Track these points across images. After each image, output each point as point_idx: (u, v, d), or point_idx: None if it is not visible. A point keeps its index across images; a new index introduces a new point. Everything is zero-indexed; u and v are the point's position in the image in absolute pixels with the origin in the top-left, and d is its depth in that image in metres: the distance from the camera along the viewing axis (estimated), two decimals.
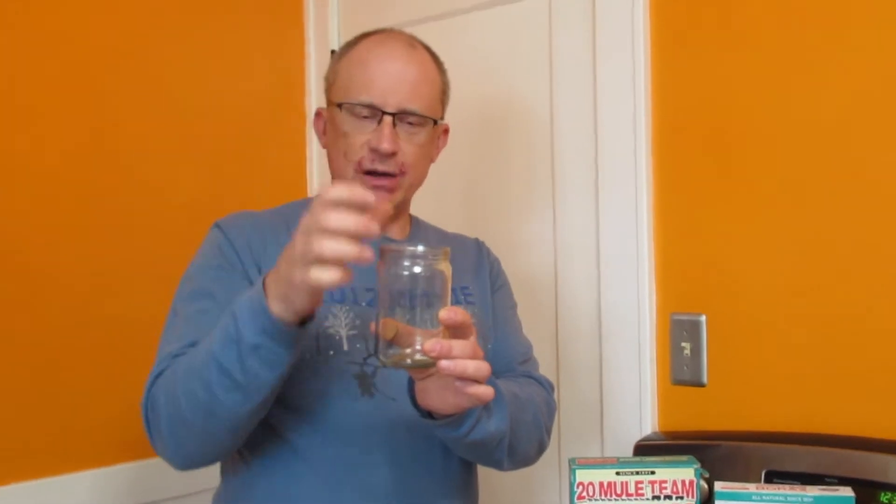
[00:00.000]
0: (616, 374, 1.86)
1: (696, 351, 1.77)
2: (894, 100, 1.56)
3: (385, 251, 1.11)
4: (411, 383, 1.22)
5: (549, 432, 1.47)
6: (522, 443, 1.37)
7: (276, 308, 1.12)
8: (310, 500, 1.35)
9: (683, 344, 1.78)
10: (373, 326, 1.12)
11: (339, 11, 2.36)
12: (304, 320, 1.16)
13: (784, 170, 1.67)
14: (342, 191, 1.05)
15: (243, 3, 2.26)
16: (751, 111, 1.71)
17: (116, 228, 1.95)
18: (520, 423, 1.34)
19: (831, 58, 1.62)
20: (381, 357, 1.12)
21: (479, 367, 1.11)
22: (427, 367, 1.14)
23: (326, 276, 1.04)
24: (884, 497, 1.43)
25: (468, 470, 1.49)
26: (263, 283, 1.14)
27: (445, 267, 1.12)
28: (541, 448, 1.46)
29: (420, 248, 1.11)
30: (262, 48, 2.30)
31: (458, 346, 1.09)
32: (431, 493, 1.41)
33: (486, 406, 1.23)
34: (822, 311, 1.63)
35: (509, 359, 1.49)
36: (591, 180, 1.91)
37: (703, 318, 1.76)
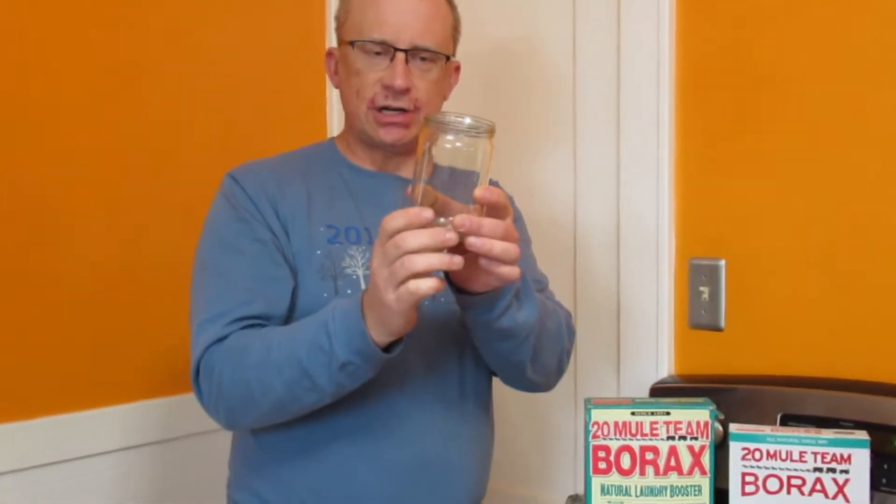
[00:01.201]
0: (634, 316, 1.86)
1: (714, 295, 1.77)
2: None
3: (429, 120, 1.10)
4: None
5: (568, 355, 1.48)
6: (546, 350, 1.38)
7: (374, 332, 1.17)
8: (330, 446, 1.37)
9: (702, 288, 1.78)
10: (409, 190, 1.11)
11: None
12: (395, 342, 1.21)
13: (808, 116, 1.65)
14: (400, 219, 1.08)
15: None
16: (776, 56, 1.68)
17: (139, 172, 1.96)
18: (545, 327, 1.36)
19: (859, 13, 1.59)
20: None
21: (506, 248, 1.11)
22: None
23: (425, 285, 1.08)
24: None
25: (484, 409, 1.50)
26: (361, 303, 1.18)
27: (489, 144, 1.11)
28: (560, 368, 1.47)
29: (466, 121, 1.09)
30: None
31: (488, 224, 1.10)
32: (449, 433, 1.43)
33: (516, 296, 1.24)
34: (840, 257, 1.62)
35: None
36: (613, 123, 1.89)
37: (723, 262, 1.76)
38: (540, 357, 1.37)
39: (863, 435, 1.33)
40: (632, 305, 1.87)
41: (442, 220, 1.10)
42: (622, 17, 1.86)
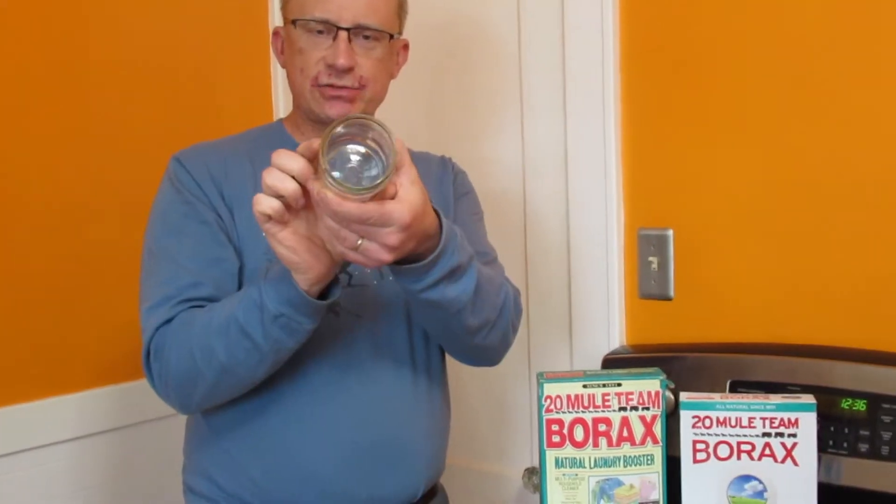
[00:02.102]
0: (584, 289, 1.88)
1: (663, 265, 1.79)
2: (864, 22, 1.55)
3: (325, 140, 1.06)
4: None
5: (514, 330, 1.46)
6: (485, 322, 1.35)
7: (298, 279, 1.16)
8: (281, 426, 1.37)
9: (651, 258, 1.80)
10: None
11: None
12: (327, 291, 1.21)
13: (752, 86, 1.66)
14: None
15: None
16: (718, 28, 1.69)
17: (83, 158, 1.94)
18: (485, 300, 1.32)
19: None
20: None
21: (332, 235, 1.09)
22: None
23: (265, 202, 1.10)
24: (844, 403, 1.47)
25: (438, 385, 1.51)
26: None
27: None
28: (505, 342, 1.45)
29: (348, 167, 1.07)
30: None
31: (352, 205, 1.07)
32: (402, 411, 1.43)
33: (453, 272, 1.22)
34: (786, 225, 1.64)
35: None
36: (559, 97, 1.89)
37: (671, 232, 1.78)
38: (481, 330, 1.35)
39: (809, 399, 1.35)
40: (582, 277, 1.88)
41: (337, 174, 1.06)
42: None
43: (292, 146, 1.46)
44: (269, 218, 1.11)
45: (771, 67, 1.65)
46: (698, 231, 1.75)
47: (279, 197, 1.09)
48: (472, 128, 2.07)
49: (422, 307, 1.29)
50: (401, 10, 1.47)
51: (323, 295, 1.21)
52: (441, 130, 2.12)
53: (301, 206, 1.11)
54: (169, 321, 1.30)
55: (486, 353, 1.43)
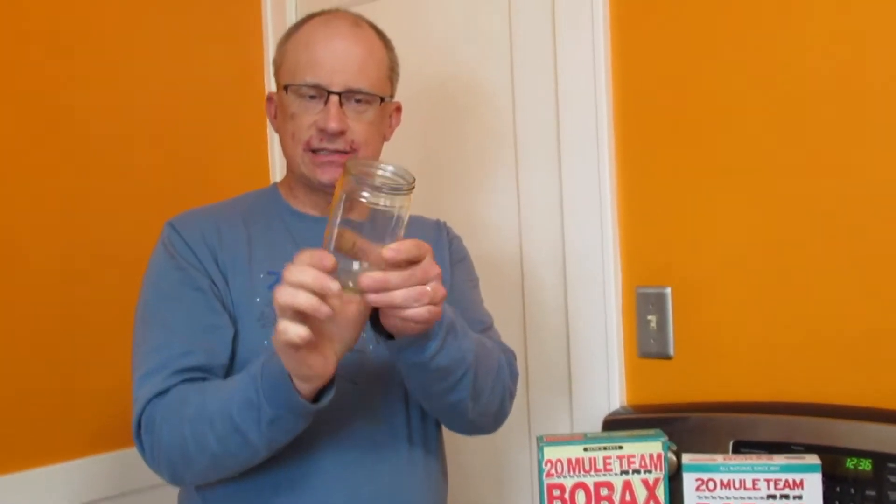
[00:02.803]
0: (583, 349, 1.86)
1: (661, 323, 1.77)
2: (854, 75, 1.56)
3: (348, 171, 1.09)
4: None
5: (511, 397, 1.45)
6: (486, 388, 1.35)
7: (297, 383, 1.15)
8: (273, 495, 1.34)
9: (649, 317, 1.79)
10: (327, 231, 1.10)
11: None
12: (324, 390, 1.20)
13: (746, 141, 1.67)
14: (303, 256, 1.08)
15: None
16: (711, 84, 1.70)
17: (79, 220, 1.93)
18: (484, 364, 1.33)
19: (791, 30, 1.62)
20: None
21: (407, 295, 1.09)
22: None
23: (292, 331, 1.07)
24: (850, 463, 1.44)
25: (435, 455, 1.48)
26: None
27: (407, 199, 1.10)
28: (503, 409, 1.44)
29: (386, 173, 1.09)
30: (219, 33, 2.26)
31: (394, 278, 1.09)
32: (397, 477, 1.40)
33: (449, 331, 1.22)
34: (784, 281, 1.64)
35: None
36: (554, 157, 1.90)
37: (668, 290, 1.77)
38: (481, 396, 1.34)
39: (814, 459, 1.33)
40: (581, 337, 1.86)
41: (356, 265, 1.08)
42: (559, 55, 1.87)
43: (287, 211, 1.47)
44: (299, 347, 1.09)
45: (764, 123, 1.65)
46: (696, 288, 1.74)
47: (304, 315, 1.07)
48: (467, 189, 2.07)
49: (432, 380, 1.27)
50: (392, 74, 1.47)
51: (320, 391, 1.20)
52: (435, 192, 2.12)
53: (327, 315, 1.08)
54: (162, 394, 1.28)
55: (485, 420, 1.41)
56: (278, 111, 1.46)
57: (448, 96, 2.09)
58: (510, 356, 1.47)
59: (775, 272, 1.65)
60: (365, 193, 1.07)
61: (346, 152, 1.40)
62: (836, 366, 1.59)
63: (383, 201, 1.08)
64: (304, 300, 1.05)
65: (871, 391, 1.55)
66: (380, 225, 1.09)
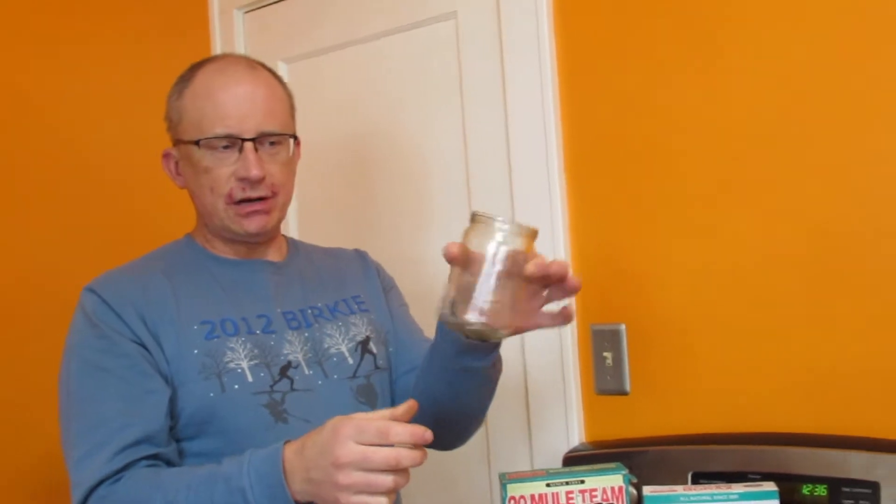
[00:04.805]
0: (541, 386, 1.87)
1: (617, 360, 1.80)
2: (799, 103, 1.61)
3: (475, 218, 1.17)
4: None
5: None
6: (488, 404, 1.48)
7: (300, 497, 1.14)
8: None
9: (605, 354, 1.81)
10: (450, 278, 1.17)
11: (246, 45, 2.35)
12: None
13: (695, 177, 1.71)
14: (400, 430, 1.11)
15: (147, 39, 2.23)
16: (659, 122, 1.75)
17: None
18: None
19: (731, 65, 1.67)
20: (448, 316, 1.17)
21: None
22: (484, 337, 1.25)
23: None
24: (805, 489, 1.47)
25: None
26: (283, 467, 1.15)
27: (527, 245, 1.18)
28: (478, 426, 1.53)
29: (503, 225, 1.16)
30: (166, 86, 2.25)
31: (556, 265, 1.20)
32: None
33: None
34: (735, 315, 1.67)
35: (421, 353, 1.48)
36: (507, 196, 1.93)
37: (623, 326, 1.79)
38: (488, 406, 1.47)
39: (771, 486, 1.35)
40: (539, 375, 1.88)
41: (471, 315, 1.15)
42: (508, 96, 1.91)
43: (209, 258, 1.45)
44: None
45: (712, 156, 1.69)
46: (650, 324, 1.76)
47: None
48: (425, 231, 2.08)
49: (482, 383, 1.38)
50: (293, 110, 1.48)
51: None
52: (387, 234, 2.12)
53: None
54: (109, 480, 1.22)
55: (473, 428, 1.52)
56: (183, 166, 1.43)
57: (401, 144, 2.11)
58: None
59: (727, 306, 1.68)
60: (491, 242, 1.16)
61: (267, 198, 1.39)
62: (789, 395, 1.62)
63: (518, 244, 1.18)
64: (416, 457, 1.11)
65: (824, 419, 1.58)
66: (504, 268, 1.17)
